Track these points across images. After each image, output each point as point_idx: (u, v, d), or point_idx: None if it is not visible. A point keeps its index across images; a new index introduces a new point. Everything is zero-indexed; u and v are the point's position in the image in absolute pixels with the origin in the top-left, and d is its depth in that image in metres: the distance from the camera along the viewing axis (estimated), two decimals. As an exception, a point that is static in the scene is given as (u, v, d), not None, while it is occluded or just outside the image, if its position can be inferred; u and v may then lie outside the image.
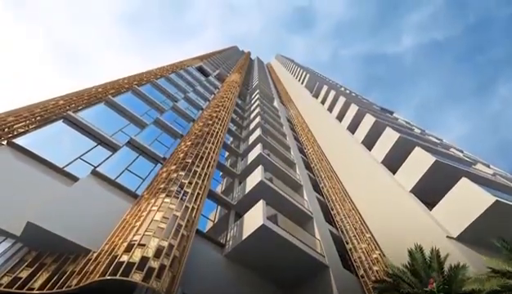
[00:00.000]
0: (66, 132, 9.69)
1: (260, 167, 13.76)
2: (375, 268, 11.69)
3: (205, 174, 10.29)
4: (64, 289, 5.56)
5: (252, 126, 22.43)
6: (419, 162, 14.25)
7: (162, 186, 8.62)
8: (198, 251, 8.74)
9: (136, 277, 5.34)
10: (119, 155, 10.39)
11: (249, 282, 9.90)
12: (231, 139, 20.92)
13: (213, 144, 12.79)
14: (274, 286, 10.51)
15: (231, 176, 15.71)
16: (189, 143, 12.23)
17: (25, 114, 8.73)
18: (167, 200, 7.82)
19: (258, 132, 19.35)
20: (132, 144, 11.39)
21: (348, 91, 40.84)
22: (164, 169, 10.36)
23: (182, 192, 8.52)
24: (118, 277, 5.28)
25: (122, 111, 12.83)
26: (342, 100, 27.41)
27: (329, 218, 16.27)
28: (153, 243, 6.15)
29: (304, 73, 49.03)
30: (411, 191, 13.85)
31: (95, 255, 6.25)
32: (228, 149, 18.65)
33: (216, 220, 11.99)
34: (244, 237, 9.63)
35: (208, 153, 11.68)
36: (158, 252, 5.98)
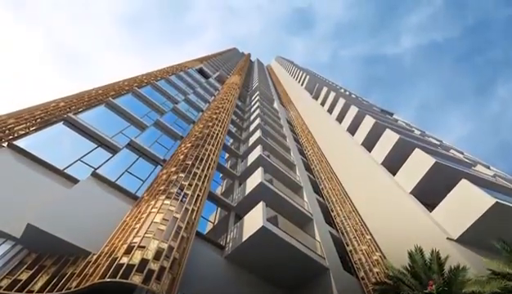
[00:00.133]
0: (67, 134, 9.71)
1: (260, 169, 13.77)
2: (376, 270, 11.67)
3: (205, 176, 10.30)
4: (63, 291, 5.56)
5: (252, 127, 22.46)
6: (419, 164, 14.25)
7: (162, 188, 8.63)
8: (198, 253, 8.73)
9: (136, 279, 5.34)
10: (119, 157, 10.40)
11: (249, 284, 9.88)
12: (231, 140, 20.94)
13: (213, 145, 12.81)
14: (274, 288, 10.49)
15: (231, 178, 15.72)
16: (189, 145, 12.25)
17: (26, 116, 8.76)
18: (167, 202, 7.83)
19: (258, 134, 19.37)
20: (132, 145, 11.41)
21: (347, 93, 40.91)
22: (164, 171, 10.37)
23: (182, 194, 8.53)
24: (117, 279, 5.28)
25: (122, 113, 12.86)
26: (342, 102, 27.44)
27: (329, 219, 16.26)
28: (153, 245, 6.16)
29: (304, 75, 49.13)
30: (411, 192, 13.84)
31: (95, 257, 6.26)
32: (228, 150, 18.66)
33: (216, 221, 11.98)
34: (244, 239, 9.62)
35: (208, 155, 11.69)
36: (158, 254, 5.98)
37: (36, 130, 8.79)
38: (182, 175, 9.47)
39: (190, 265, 7.39)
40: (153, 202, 7.86)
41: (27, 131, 8.46)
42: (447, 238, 10.68)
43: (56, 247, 6.35)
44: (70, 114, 10.09)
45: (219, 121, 16.37)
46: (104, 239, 6.89)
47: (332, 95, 31.19)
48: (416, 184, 13.80)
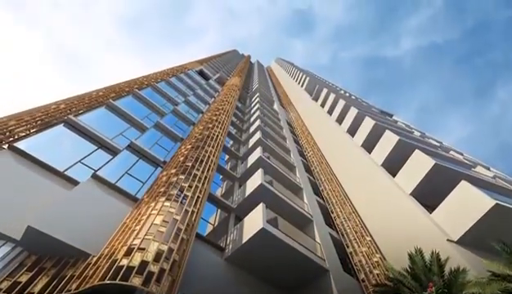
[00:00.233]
0: (67, 136, 9.74)
1: (260, 170, 13.78)
2: (376, 271, 11.65)
3: (205, 177, 10.31)
4: (63, 293, 5.56)
5: (252, 129, 22.48)
6: (418, 165, 14.26)
7: (162, 190, 8.64)
8: (198, 255, 8.73)
9: (136, 281, 5.34)
10: (120, 159, 10.42)
11: (249, 286, 9.87)
12: (231, 142, 20.96)
13: (213, 147, 12.83)
14: (274, 289, 10.47)
15: (231, 179, 15.72)
16: (189, 146, 12.27)
17: (27, 118, 8.79)
18: (167, 204, 7.84)
19: (258, 135, 19.38)
20: (132, 147, 11.43)
21: (347, 94, 40.97)
22: (164, 173, 10.38)
23: (182, 195, 8.54)
24: (117, 281, 5.28)
25: (122, 115, 12.89)
26: (341, 103, 27.48)
27: (329, 221, 16.25)
28: (153, 247, 6.16)
29: (304, 76, 49.22)
30: (411, 194, 13.83)
31: (94, 259, 6.26)
32: (228, 152, 18.68)
33: (216, 223, 11.98)
34: (244, 240, 9.62)
35: (208, 157, 11.71)
36: (157, 256, 5.98)
37: (36, 132, 8.82)
38: (182, 176, 9.49)
39: (190, 266, 7.39)
40: (153, 204, 7.87)
41: (27, 133, 8.49)
42: (447, 240, 10.66)
43: (56, 249, 6.36)
44: (71, 116, 10.12)
45: (219, 122, 16.40)
46: (104, 241, 6.90)
47: (332, 96, 31.24)
48: (416, 186, 13.79)
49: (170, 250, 6.35)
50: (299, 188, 16.62)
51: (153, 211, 7.47)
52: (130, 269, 5.56)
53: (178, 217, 7.44)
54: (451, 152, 22.90)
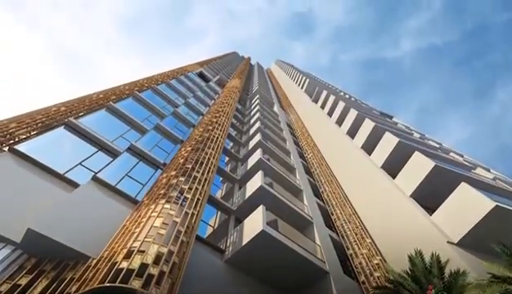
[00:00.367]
0: (67, 138, 9.76)
1: (260, 172, 13.79)
2: (376, 274, 11.62)
3: (205, 179, 10.32)
4: (63, 296, 5.56)
5: (252, 131, 22.50)
6: (418, 167, 14.27)
7: (162, 192, 8.65)
8: (198, 257, 8.71)
9: (136, 284, 5.34)
10: (120, 161, 10.43)
11: (249, 288, 9.85)
12: (231, 144, 20.97)
13: (213, 149, 12.85)
14: (274, 291, 10.45)
15: (231, 181, 15.72)
16: (189, 148, 12.29)
17: (27, 121, 8.81)
18: (167, 206, 7.84)
19: (258, 137, 19.40)
20: (132, 149, 11.45)
21: (347, 96, 41.05)
22: (164, 175, 10.40)
23: (182, 197, 8.54)
24: (117, 284, 5.28)
25: (123, 117, 12.92)
26: (341, 105, 27.53)
27: (329, 223, 16.23)
28: (152, 250, 6.16)
29: (304, 78, 49.33)
30: (411, 196, 13.84)
31: (94, 261, 6.26)
32: (228, 154, 18.69)
33: (216, 225, 11.97)
34: (244, 242, 9.61)
35: (208, 159, 11.73)
36: (157, 259, 5.98)
37: (37, 134, 8.84)
38: (182, 178, 9.50)
39: (190, 269, 7.39)
40: (153, 206, 7.87)
41: (28, 135, 8.51)
42: (448, 242, 10.65)
43: (56, 252, 6.36)
44: (71, 118, 10.15)
45: (219, 124, 16.43)
46: (104, 244, 6.90)
47: (332, 98, 31.30)
48: (416, 188, 13.80)
49: (170, 252, 6.35)
50: (299, 190, 16.62)
51: (153, 214, 7.47)
52: (130, 271, 5.56)
53: (178, 219, 7.45)
54: (451, 153, 22.91)
